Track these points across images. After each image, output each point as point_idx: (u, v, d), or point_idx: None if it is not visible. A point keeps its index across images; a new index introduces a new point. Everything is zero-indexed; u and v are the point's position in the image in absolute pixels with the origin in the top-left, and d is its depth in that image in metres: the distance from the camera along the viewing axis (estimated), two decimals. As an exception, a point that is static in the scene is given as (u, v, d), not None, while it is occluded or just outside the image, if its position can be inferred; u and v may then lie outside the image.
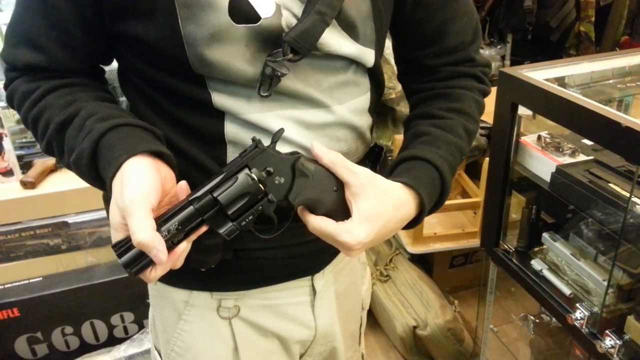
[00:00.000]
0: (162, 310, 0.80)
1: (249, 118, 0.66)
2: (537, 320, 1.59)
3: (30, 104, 0.65)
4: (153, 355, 0.87)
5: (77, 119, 0.62)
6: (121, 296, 1.64)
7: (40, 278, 1.62)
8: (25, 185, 1.54)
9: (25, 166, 1.58)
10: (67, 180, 1.57)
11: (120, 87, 0.73)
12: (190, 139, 0.67)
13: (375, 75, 0.74)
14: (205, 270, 0.71)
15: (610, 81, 1.31)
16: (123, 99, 0.76)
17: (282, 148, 0.67)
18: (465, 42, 0.76)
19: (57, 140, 0.64)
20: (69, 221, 1.60)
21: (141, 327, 1.71)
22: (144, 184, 0.55)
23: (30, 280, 1.61)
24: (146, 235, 0.53)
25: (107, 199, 0.75)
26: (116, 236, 0.56)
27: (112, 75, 0.77)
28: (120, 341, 1.65)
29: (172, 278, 0.76)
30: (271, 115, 0.66)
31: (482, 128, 2.31)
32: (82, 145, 0.60)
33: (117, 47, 0.68)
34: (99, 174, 0.61)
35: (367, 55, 0.70)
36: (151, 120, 0.68)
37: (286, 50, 0.61)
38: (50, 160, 1.59)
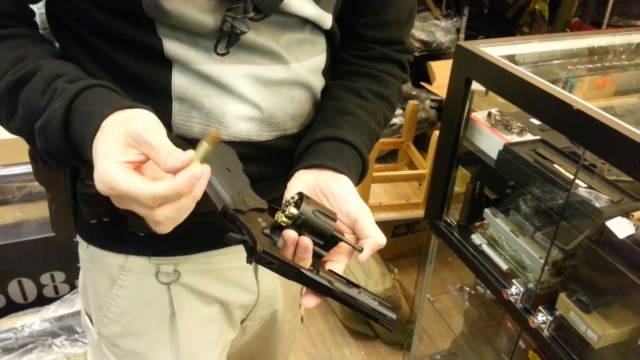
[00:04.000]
0: (95, 274, 0.76)
1: (202, 69, 0.61)
2: (472, 292, 1.64)
3: None
4: (83, 320, 0.83)
5: (36, 78, 0.54)
6: (52, 255, 1.56)
7: (-37, 232, 1.52)
8: (-53, 132, 1.42)
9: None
10: (-6, 130, 1.46)
11: (51, 30, 0.65)
12: (134, 91, 0.61)
13: (331, 36, 0.73)
14: (143, 234, 0.67)
15: (558, 61, 1.33)
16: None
17: (237, 106, 0.64)
18: (400, 21, 0.76)
19: (7, 101, 0.55)
20: (-4, 173, 1.49)
21: (73, 287, 1.65)
22: (149, 118, 0.49)
23: (-48, 234, 1.51)
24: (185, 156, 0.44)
25: (32, 155, 0.69)
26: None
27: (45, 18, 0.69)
28: (50, 301, 1.58)
29: (106, 242, 0.72)
30: (227, 69, 0.62)
31: (432, 100, 2.32)
32: (53, 105, 0.52)
33: None
34: (70, 139, 0.52)
35: (326, 19, 0.69)
36: (88, 68, 0.61)
37: (248, 7, 0.58)
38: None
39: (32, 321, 1.51)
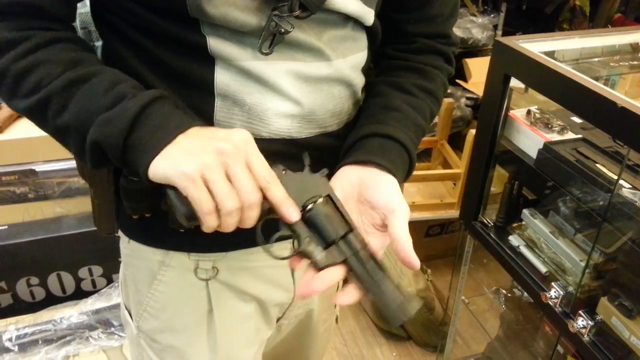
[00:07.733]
0: (135, 269, 0.77)
1: (245, 66, 0.61)
2: (508, 294, 1.60)
3: (18, 55, 0.56)
4: (123, 314, 0.84)
5: (96, 80, 0.56)
6: (90, 249, 1.60)
7: (6, 226, 1.57)
8: (-9, 129, 1.46)
9: (-9, 109, 1.50)
10: (36, 127, 1.50)
11: (96, 29, 0.67)
12: (177, 88, 0.62)
13: (373, 33, 0.72)
14: (183, 230, 0.68)
15: (599, 58, 1.29)
16: (98, 43, 0.70)
17: (278, 103, 0.64)
18: (444, 14, 0.75)
19: (60, 97, 0.56)
20: (37, 169, 1.53)
21: (110, 281, 1.68)
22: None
23: (-5, 228, 1.56)
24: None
25: None
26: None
27: (86, 18, 0.71)
28: (87, 294, 1.62)
29: (147, 237, 0.73)
30: (270, 66, 0.62)
31: (468, 98, 2.28)
32: (125, 104, 0.54)
33: None
34: (129, 139, 0.54)
35: (368, 16, 0.68)
36: (133, 65, 0.62)
37: (294, 5, 0.58)
38: (19, 104, 1.52)
39: (70, 314, 1.54)
